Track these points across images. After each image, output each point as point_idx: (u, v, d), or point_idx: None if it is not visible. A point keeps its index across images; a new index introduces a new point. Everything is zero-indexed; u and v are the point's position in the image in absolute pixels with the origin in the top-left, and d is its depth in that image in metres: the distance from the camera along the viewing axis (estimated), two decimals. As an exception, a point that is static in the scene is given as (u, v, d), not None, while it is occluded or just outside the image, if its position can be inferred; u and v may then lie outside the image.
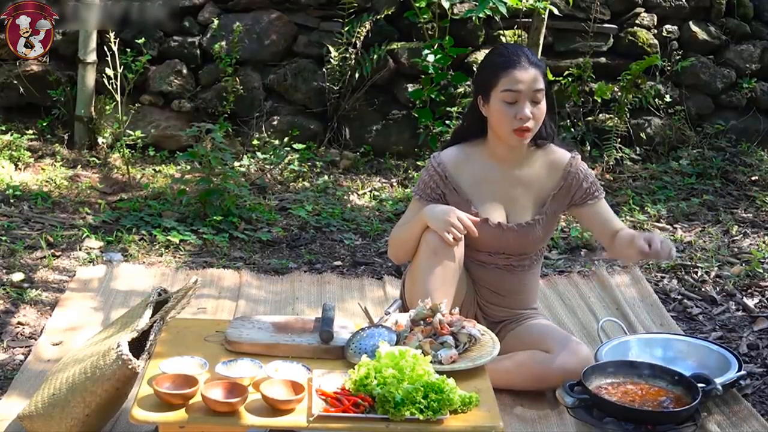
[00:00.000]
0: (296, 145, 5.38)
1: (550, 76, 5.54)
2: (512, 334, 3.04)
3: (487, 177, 2.96)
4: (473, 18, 5.22)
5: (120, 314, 2.99)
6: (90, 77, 5.22)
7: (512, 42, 5.58)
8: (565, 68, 5.67)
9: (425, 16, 5.32)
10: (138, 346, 2.52)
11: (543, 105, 2.88)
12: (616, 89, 5.64)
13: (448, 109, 5.33)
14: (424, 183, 2.98)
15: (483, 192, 2.95)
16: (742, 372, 2.94)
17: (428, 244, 2.85)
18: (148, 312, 2.58)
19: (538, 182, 2.99)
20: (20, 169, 4.98)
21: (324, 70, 5.46)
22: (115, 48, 4.79)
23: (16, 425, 2.62)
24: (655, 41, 5.79)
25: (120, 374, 2.40)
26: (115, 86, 4.86)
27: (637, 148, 5.74)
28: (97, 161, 5.15)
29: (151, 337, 2.56)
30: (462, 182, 2.95)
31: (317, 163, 5.35)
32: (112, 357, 2.40)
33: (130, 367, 2.38)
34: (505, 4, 4.80)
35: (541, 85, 2.86)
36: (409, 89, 5.48)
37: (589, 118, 5.70)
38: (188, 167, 4.80)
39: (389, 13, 5.51)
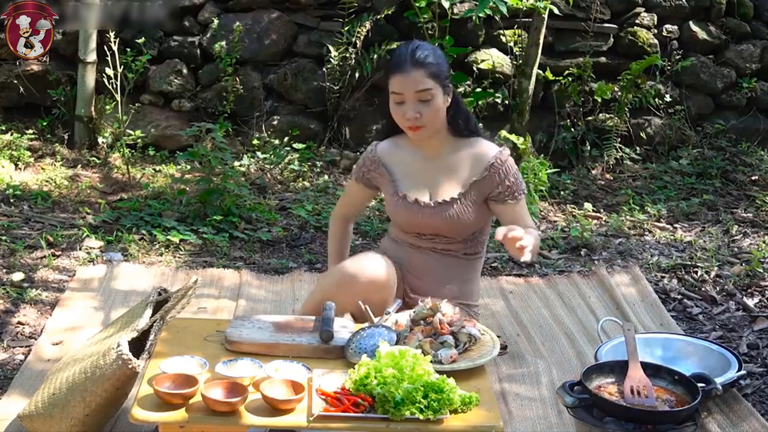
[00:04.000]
0: (296, 145, 5.37)
1: (550, 76, 5.55)
2: None
3: (414, 163, 3.08)
4: (473, 18, 5.21)
5: (120, 314, 2.99)
6: (90, 77, 5.22)
7: (512, 41, 5.58)
8: (565, 68, 5.67)
9: (425, 16, 5.32)
10: (138, 345, 2.52)
11: (435, 102, 2.91)
12: (616, 89, 5.64)
13: (448, 108, 5.33)
14: (358, 166, 3.18)
15: (409, 176, 3.08)
16: (742, 372, 2.94)
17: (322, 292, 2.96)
18: (148, 312, 2.58)
19: (460, 170, 3.03)
20: (20, 168, 4.98)
21: (324, 69, 5.46)
22: (115, 48, 4.79)
23: (16, 425, 2.62)
24: (655, 41, 5.78)
25: (120, 374, 2.40)
26: (115, 86, 4.86)
27: (637, 148, 5.74)
28: (97, 161, 5.15)
29: (151, 337, 2.57)
30: (392, 168, 3.10)
31: (317, 162, 5.35)
32: (112, 357, 2.40)
33: (130, 366, 2.38)
34: (506, 3, 4.79)
35: (426, 85, 2.88)
36: (409, 89, 5.47)
37: (589, 118, 5.69)
38: (188, 167, 4.80)
39: (389, 12, 5.51)
